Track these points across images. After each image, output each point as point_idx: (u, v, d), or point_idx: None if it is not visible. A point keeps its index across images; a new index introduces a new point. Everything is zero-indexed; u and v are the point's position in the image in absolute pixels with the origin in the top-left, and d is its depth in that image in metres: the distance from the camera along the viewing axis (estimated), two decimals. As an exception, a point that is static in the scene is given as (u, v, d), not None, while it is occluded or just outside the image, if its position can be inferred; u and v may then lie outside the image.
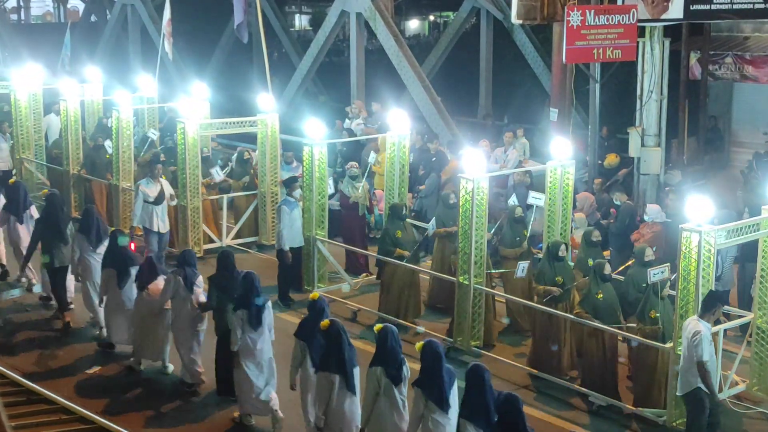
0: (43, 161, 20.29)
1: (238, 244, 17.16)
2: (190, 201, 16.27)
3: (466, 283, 12.32)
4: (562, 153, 13.22)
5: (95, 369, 12.14)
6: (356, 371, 9.40)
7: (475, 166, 12.30)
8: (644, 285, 11.33)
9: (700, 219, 10.14)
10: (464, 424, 8.12)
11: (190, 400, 11.29)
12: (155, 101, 20.81)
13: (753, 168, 18.37)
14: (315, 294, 10.33)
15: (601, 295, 11.26)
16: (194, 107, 17.49)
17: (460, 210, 12.30)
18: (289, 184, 14.71)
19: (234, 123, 17.37)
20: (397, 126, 15.16)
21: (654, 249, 13.78)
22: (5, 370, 11.84)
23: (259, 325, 10.40)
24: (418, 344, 8.89)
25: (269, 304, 10.60)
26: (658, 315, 10.78)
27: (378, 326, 9.22)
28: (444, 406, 8.61)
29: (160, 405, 11.20)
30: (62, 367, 12.24)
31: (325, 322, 9.48)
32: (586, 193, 15.84)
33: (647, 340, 10.63)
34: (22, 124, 20.02)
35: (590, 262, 11.99)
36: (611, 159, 18.36)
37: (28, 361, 12.36)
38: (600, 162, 18.43)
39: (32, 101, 20.13)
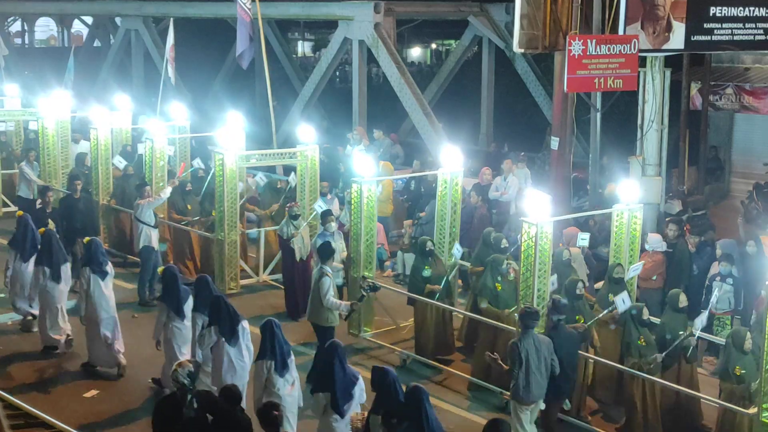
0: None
1: (272, 280, 16.69)
2: (227, 235, 15.69)
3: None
4: (630, 196, 12.44)
5: (93, 392, 12.09)
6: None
7: (539, 210, 11.14)
8: (681, 333, 10.99)
9: None
10: (209, 330, 10.53)
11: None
12: (187, 130, 19.99)
13: (753, 198, 18.40)
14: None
15: (642, 341, 10.95)
16: (231, 138, 16.46)
17: (522, 255, 11.29)
18: (324, 216, 14.46)
19: (273, 155, 16.93)
20: (449, 163, 14.19)
21: (654, 278, 13.81)
22: (3, 393, 11.80)
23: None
24: (160, 268, 12.20)
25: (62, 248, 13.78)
26: (743, 372, 10.06)
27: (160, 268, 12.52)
28: (181, 314, 11.49)
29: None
30: (60, 390, 12.20)
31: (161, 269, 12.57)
32: (573, 228, 15.06)
33: (736, 407, 9.88)
34: (50, 152, 19.47)
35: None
36: (612, 188, 18.35)
37: (27, 385, 12.31)
38: (600, 191, 18.44)
39: (60, 129, 19.57)
